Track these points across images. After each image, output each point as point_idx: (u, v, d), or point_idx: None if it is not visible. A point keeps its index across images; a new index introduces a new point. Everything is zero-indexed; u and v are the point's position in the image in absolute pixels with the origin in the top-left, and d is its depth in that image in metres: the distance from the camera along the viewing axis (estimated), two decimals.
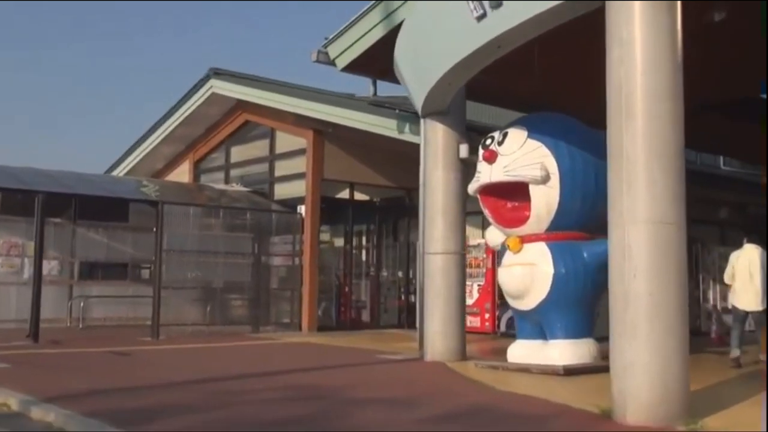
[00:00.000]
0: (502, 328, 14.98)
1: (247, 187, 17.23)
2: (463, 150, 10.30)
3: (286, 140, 16.67)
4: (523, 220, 9.06)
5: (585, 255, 8.92)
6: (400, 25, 10.16)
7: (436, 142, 10.34)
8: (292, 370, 9.08)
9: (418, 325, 10.81)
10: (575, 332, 8.90)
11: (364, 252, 17.52)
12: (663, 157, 5.66)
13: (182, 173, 19.38)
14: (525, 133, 8.95)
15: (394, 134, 12.77)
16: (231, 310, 15.31)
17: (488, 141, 9.25)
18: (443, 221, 10.26)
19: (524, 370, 8.86)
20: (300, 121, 15.63)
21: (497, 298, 15.16)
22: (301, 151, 16.08)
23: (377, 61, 11.00)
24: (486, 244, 12.57)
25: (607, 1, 6.04)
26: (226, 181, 18.11)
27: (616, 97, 5.85)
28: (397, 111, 13.53)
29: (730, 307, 10.65)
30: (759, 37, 9.66)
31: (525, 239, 9.08)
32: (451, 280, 10.24)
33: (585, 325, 9.09)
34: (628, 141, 5.74)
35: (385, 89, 14.75)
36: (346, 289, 16.78)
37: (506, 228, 9.35)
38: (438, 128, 10.30)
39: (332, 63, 11.19)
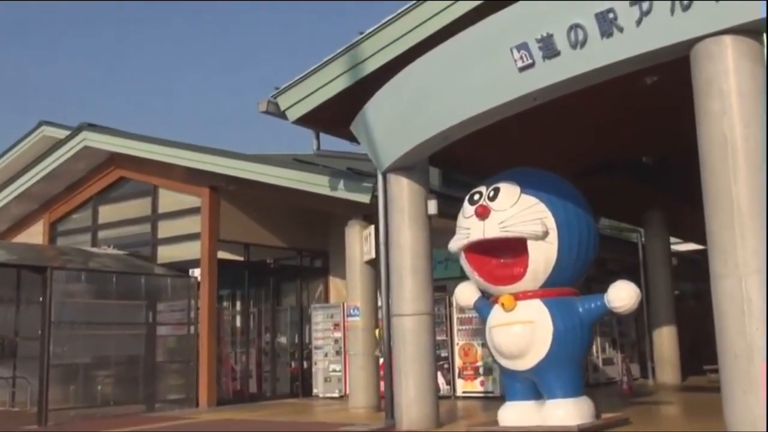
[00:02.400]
0: None
1: (123, 250, 15.67)
2: (432, 206, 9.97)
3: (171, 198, 15.43)
4: (518, 277, 8.81)
5: (580, 310, 8.82)
6: (364, 78, 9.80)
7: (401, 199, 9.91)
8: None
9: (385, 391, 10.19)
10: (574, 390, 8.71)
11: (256, 317, 16.41)
12: (765, 205, 5.70)
13: (34, 235, 17.32)
14: (518, 189, 8.77)
15: (326, 191, 12.18)
16: (120, 388, 13.65)
17: (476, 196, 8.99)
18: (413, 281, 9.79)
19: None
20: (193, 178, 14.55)
21: None
22: (191, 210, 14.95)
23: (329, 114, 10.47)
24: None
25: (695, 53, 6.07)
26: (94, 243, 16.39)
27: (720, 150, 5.84)
28: (319, 166, 13.02)
29: None
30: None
31: (519, 296, 8.83)
32: (423, 343, 9.75)
33: (581, 382, 8.97)
34: (739, 193, 5.72)
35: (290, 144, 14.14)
36: (243, 358, 15.64)
37: (496, 286, 9.04)
38: (403, 184, 9.89)
39: (282, 114, 10.46)
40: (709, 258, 5.95)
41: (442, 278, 13.02)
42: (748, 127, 5.78)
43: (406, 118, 8.85)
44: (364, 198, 11.74)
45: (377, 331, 12.46)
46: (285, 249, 16.17)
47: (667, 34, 6.07)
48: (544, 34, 6.75)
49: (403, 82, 8.74)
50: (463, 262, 9.27)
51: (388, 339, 10.15)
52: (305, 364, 16.27)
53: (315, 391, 15.56)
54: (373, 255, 12.09)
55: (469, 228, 8.96)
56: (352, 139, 10.91)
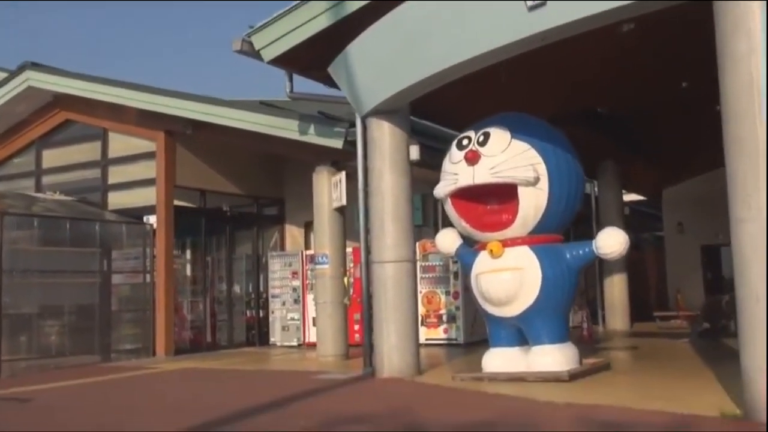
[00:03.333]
0: None
1: (70, 196, 14.98)
2: (414, 151, 9.74)
3: (122, 143, 14.77)
4: (507, 224, 8.72)
5: (568, 257, 8.79)
6: (346, 18, 9.41)
7: (383, 144, 9.64)
8: (277, 402, 7.86)
9: (363, 338, 10.07)
10: (560, 337, 8.74)
11: (210, 265, 15.96)
12: None
13: None
14: (509, 134, 8.62)
15: (295, 136, 11.80)
16: (75, 338, 13.12)
17: (465, 141, 8.80)
18: (395, 228, 9.58)
19: (518, 379, 8.50)
20: (147, 122, 13.93)
21: None
22: (144, 155, 14.36)
23: (306, 55, 10.06)
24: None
25: None
26: (38, 189, 15.61)
27: (746, 92, 5.74)
28: (286, 110, 12.62)
29: None
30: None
31: (507, 243, 8.75)
32: (405, 291, 9.58)
33: (566, 329, 9.01)
34: (764, 135, 5.67)
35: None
36: (199, 307, 15.23)
37: (484, 232, 8.93)
38: (385, 128, 9.62)
39: (256, 54, 9.98)
40: (730, 202, 5.90)
41: None
42: None
43: (399, 58, 8.54)
44: (336, 143, 11.43)
45: (346, 279, 12.30)
46: (241, 196, 15.73)
47: None
48: None
49: (398, 20, 8.40)
50: (449, 208, 9.12)
51: (367, 286, 9.98)
52: (261, 313, 15.99)
53: (272, 340, 15.35)
54: (343, 202, 11.85)
55: (458, 173, 8.79)
56: (327, 81, 10.55)
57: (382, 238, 9.61)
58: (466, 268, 9.53)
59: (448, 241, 9.65)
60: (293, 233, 16.46)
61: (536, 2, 6.79)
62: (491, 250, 8.77)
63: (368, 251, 9.96)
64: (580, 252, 8.85)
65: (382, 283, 9.57)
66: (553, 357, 8.59)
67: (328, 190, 12.18)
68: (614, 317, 17.40)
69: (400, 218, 9.63)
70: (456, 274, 14.04)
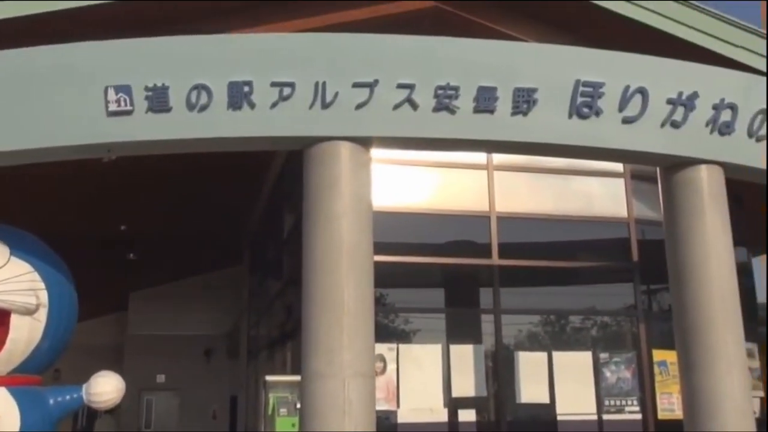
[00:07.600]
0: None
1: None
2: None
3: None
4: None
5: (51, 403, 7.51)
6: None
7: None
8: None
9: None
10: None
11: None
12: (372, 310, 6.07)
13: None
14: (8, 250, 7.23)
15: None
16: None
17: None
18: None
19: None
20: None
21: None
22: None
23: None
24: None
25: (316, 151, 6.21)
26: None
27: (336, 250, 5.97)
28: None
29: None
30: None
31: None
32: None
33: None
34: (350, 294, 5.90)
35: None
36: None
37: None
38: None
39: None
40: (307, 356, 5.91)
41: None
42: (362, 231, 6.12)
43: None
44: None
45: None
46: None
47: (299, 125, 6.08)
48: (159, 84, 6.01)
49: None
50: None
51: None
52: None
53: None
54: None
55: None
56: None
57: None
58: None
59: None
60: None
61: (121, 108, 6.09)
62: None
63: None
64: (67, 398, 7.63)
65: None
66: None
67: None
68: None
69: None
70: None
